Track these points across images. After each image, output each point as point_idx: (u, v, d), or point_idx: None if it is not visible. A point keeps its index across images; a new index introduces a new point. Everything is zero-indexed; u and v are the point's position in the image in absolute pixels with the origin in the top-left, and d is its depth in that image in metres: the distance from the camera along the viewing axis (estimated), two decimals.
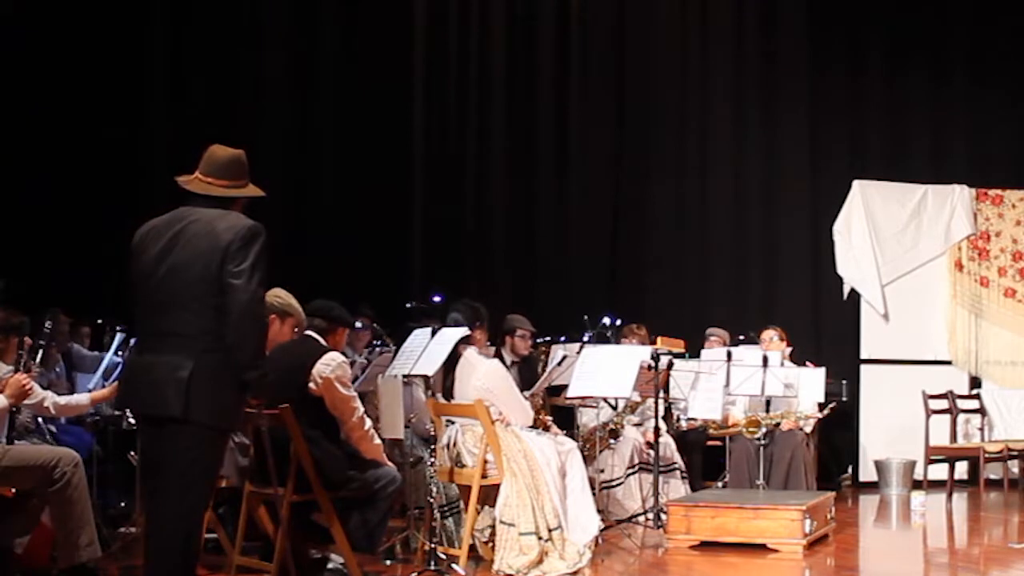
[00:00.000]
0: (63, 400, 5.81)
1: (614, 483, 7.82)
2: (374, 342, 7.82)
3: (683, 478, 8.13)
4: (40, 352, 5.68)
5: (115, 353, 6.91)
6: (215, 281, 4.04)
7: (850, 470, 10.33)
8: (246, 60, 9.73)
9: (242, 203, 4.34)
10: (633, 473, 7.85)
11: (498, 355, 7.66)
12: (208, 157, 4.34)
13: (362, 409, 5.56)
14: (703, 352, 8.49)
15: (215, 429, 4.10)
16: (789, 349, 8.51)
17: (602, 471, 7.68)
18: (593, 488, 6.45)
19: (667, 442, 7.86)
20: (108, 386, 6.15)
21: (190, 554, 4.13)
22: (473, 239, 10.14)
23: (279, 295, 5.63)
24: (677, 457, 8.13)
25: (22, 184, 8.53)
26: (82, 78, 8.85)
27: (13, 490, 5.33)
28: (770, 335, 8.52)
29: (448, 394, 6.23)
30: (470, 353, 6.22)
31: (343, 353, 5.73)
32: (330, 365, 5.43)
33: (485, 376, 6.11)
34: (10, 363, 5.57)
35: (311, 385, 5.41)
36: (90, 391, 7.35)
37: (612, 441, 7.81)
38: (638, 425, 8.14)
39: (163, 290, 4.11)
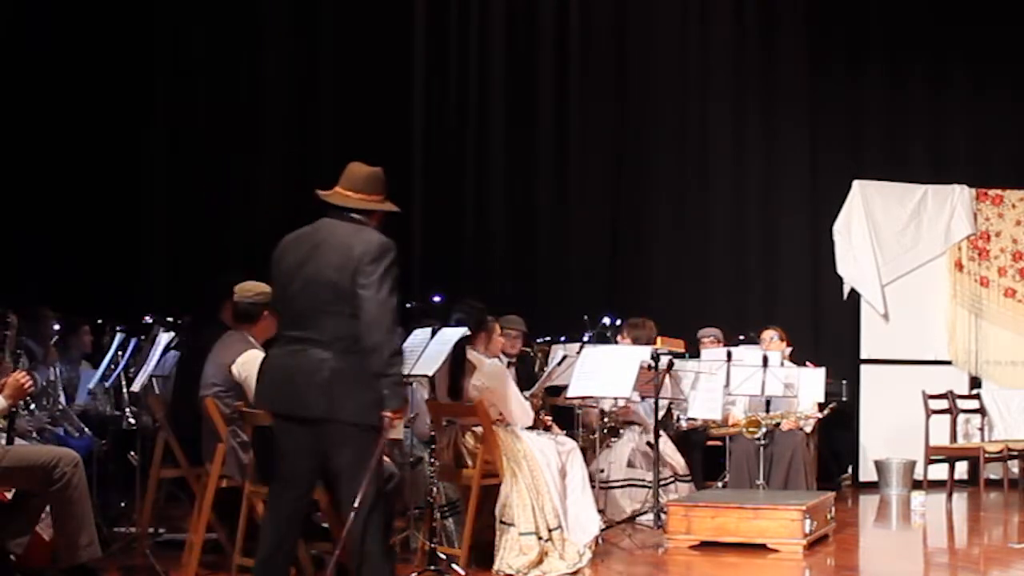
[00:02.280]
0: None
1: (614, 483, 7.80)
2: None
3: (683, 481, 8.03)
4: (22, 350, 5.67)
5: (115, 353, 6.89)
6: (348, 292, 4.30)
7: (850, 470, 10.31)
8: (246, 60, 9.74)
9: (379, 216, 4.64)
10: (628, 486, 7.77)
11: None
12: (348, 172, 4.65)
13: None
14: (702, 353, 8.49)
15: (360, 426, 4.30)
16: (789, 349, 8.50)
17: (602, 471, 7.68)
18: (593, 485, 6.44)
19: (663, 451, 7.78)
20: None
21: (377, 543, 4.35)
22: (473, 239, 10.14)
23: (261, 290, 5.61)
24: (677, 459, 8.05)
25: (22, 184, 8.54)
26: (84, 76, 8.88)
27: (13, 490, 5.33)
28: (770, 335, 8.51)
29: (456, 394, 6.19)
30: (470, 353, 6.21)
31: None
32: None
33: (485, 376, 6.11)
34: None
35: None
36: (90, 391, 7.37)
37: (613, 439, 7.79)
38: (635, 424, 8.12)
39: (301, 299, 4.39)
